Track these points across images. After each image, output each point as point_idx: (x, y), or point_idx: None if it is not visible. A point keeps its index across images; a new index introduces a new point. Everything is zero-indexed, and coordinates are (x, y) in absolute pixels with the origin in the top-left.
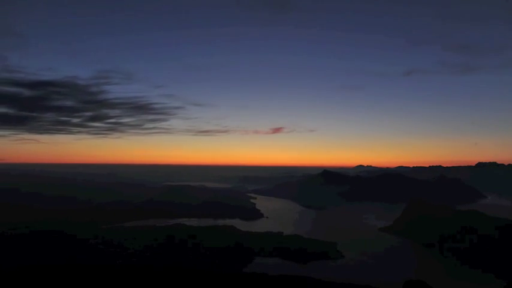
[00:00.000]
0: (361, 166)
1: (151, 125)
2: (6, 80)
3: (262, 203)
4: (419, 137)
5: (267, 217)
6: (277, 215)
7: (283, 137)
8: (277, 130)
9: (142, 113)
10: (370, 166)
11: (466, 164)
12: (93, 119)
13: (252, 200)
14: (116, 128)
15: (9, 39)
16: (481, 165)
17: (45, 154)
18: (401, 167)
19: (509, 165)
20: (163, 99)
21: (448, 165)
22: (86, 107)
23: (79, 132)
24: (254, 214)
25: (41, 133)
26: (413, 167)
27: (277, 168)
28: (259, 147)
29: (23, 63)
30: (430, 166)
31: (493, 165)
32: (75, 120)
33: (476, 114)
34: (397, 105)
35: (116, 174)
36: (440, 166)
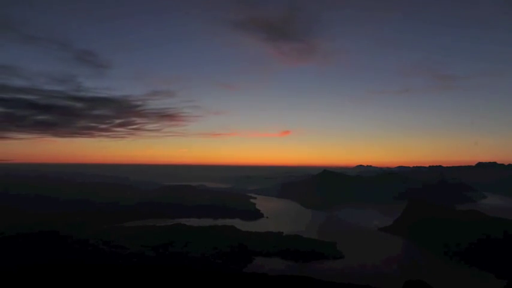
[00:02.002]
0: (361, 166)
1: (168, 129)
2: (68, 96)
3: (262, 203)
4: (419, 137)
5: (267, 217)
6: (277, 215)
7: (287, 139)
8: (284, 133)
9: (165, 120)
10: (370, 166)
11: (466, 164)
12: (120, 125)
13: (252, 200)
14: (135, 132)
15: (92, 69)
16: (481, 165)
17: (56, 155)
18: (401, 167)
19: (509, 165)
20: (188, 110)
21: (448, 165)
22: (118, 115)
23: (100, 135)
24: (254, 214)
25: (64, 136)
26: (413, 167)
27: (277, 168)
28: (264, 148)
29: (94, 85)
30: (430, 166)
31: (493, 165)
32: (102, 126)
33: (476, 115)
34: (396, 108)
35: (119, 174)
36: (440, 166)
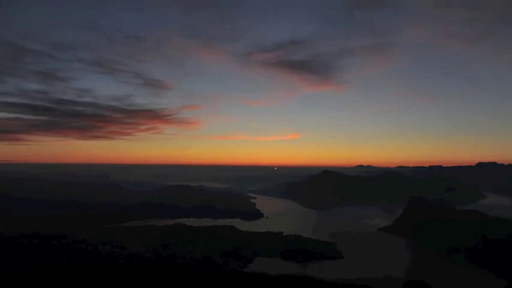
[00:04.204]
0: (361, 166)
1: (184, 133)
2: (115, 108)
3: (262, 203)
4: (419, 137)
5: (267, 217)
6: (277, 215)
7: (291, 141)
8: (290, 136)
9: (184, 125)
10: (370, 166)
11: (466, 164)
12: (143, 130)
13: (252, 200)
14: (152, 136)
15: (152, 91)
16: (481, 165)
17: (72, 155)
18: (401, 167)
19: (509, 165)
20: (205, 119)
21: (448, 165)
22: (146, 122)
23: (119, 138)
24: (254, 214)
25: (85, 139)
26: (413, 167)
27: (278, 168)
28: (268, 150)
29: (144, 102)
30: (430, 166)
31: (493, 165)
32: (127, 131)
33: (476, 115)
34: (396, 109)
35: (119, 174)
36: (440, 166)
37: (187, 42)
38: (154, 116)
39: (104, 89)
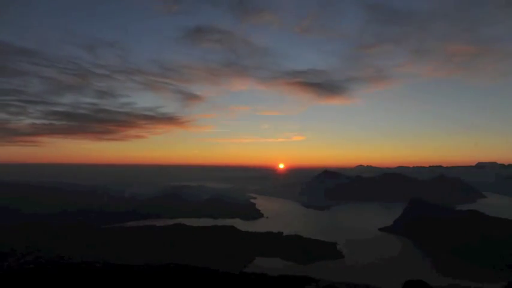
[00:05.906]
0: (361, 166)
1: (193, 136)
2: (140, 115)
3: (262, 203)
4: (419, 137)
5: (267, 217)
6: (277, 215)
7: (295, 141)
8: (295, 138)
9: (195, 128)
10: (370, 166)
11: (466, 164)
12: (157, 133)
13: (252, 200)
14: (162, 138)
15: (186, 102)
16: (481, 165)
17: (85, 156)
18: (401, 167)
19: (509, 165)
20: (218, 124)
21: (448, 165)
22: (161, 126)
23: (130, 140)
24: (254, 214)
25: (98, 141)
26: (413, 167)
27: (278, 169)
28: (271, 151)
29: (171, 110)
30: (430, 166)
31: (493, 165)
32: (141, 134)
33: (476, 115)
34: (396, 109)
35: (120, 174)
36: (440, 166)
37: (225, 69)
38: (171, 122)
39: (145, 101)
